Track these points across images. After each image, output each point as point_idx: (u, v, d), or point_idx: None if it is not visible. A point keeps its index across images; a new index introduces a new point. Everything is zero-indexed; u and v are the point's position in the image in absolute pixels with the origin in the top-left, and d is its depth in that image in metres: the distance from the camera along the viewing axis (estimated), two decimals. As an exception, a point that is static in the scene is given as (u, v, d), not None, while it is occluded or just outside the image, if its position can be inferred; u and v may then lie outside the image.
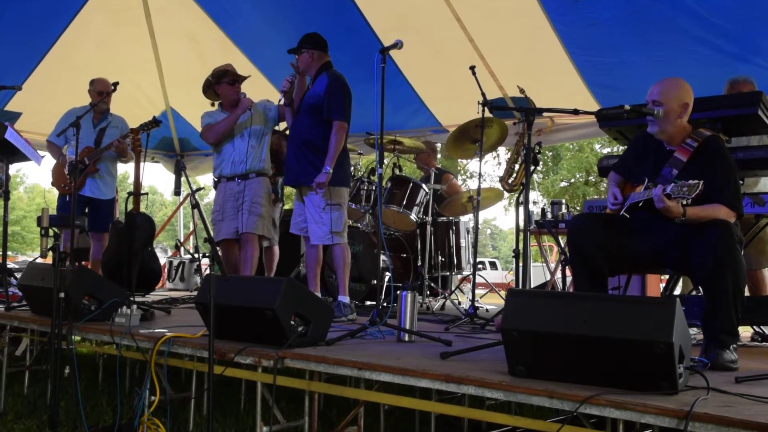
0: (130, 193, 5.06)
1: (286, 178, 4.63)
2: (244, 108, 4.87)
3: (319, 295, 4.55)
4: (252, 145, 4.93)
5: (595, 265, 3.05)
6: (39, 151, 5.17)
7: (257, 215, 4.88)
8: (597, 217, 3.35)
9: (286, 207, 6.72)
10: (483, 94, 4.72)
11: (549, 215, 5.00)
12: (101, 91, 5.44)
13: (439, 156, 8.07)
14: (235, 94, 4.98)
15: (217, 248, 4.44)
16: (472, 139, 5.32)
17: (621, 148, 4.36)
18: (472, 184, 19.07)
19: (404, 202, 5.60)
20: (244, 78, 5.10)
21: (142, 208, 5.15)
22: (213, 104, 5.20)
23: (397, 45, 3.83)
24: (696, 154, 3.06)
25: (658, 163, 3.15)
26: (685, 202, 2.78)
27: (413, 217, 5.63)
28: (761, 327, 3.89)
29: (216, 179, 5.14)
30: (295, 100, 4.54)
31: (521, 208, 4.19)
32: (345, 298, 4.41)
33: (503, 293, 5.66)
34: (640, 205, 3.08)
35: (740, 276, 2.73)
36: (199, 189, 5.29)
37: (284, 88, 4.47)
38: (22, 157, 4.87)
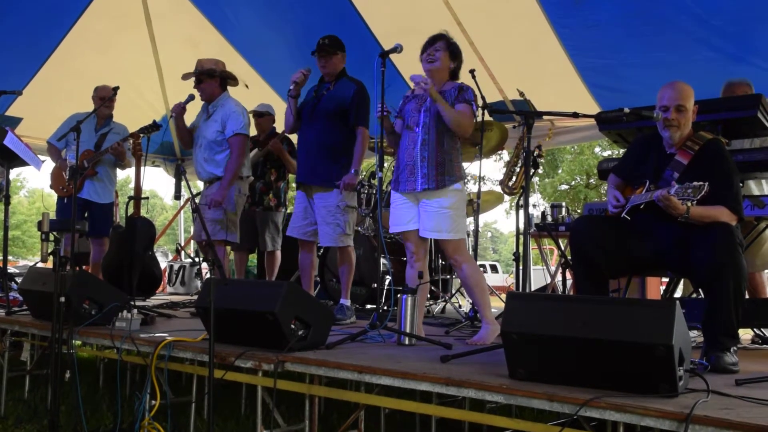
0: (130, 198, 5.07)
1: (302, 175, 4.49)
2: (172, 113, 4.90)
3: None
4: (203, 156, 4.82)
5: (597, 267, 3.06)
6: (39, 156, 5.18)
7: (210, 220, 4.67)
8: (598, 219, 3.35)
9: (289, 211, 6.71)
10: (483, 98, 4.73)
11: (549, 218, 5.00)
12: (103, 97, 5.46)
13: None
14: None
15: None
16: (472, 142, 5.32)
17: (621, 150, 4.36)
18: (472, 188, 19.05)
19: (405, 206, 5.58)
20: (191, 75, 4.95)
21: (143, 212, 5.17)
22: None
23: (397, 49, 3.83)
24: (697, 157, 3.06)
25: (660, 166, 3.15)
26: (690, 204, 2.78)
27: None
28: (762, 330, 3.89)
29: None
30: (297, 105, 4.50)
31: (521, 211, 4.20)
32: (347, 301, 4.42)
33: (504, 296, 5.65)
34: (642, 207, 3.08)
35: (741, 278, 2.73)
36: (199, 193, 5.30)
37: (296, 79, 4.37)
38: (22, 162, 4.88)
